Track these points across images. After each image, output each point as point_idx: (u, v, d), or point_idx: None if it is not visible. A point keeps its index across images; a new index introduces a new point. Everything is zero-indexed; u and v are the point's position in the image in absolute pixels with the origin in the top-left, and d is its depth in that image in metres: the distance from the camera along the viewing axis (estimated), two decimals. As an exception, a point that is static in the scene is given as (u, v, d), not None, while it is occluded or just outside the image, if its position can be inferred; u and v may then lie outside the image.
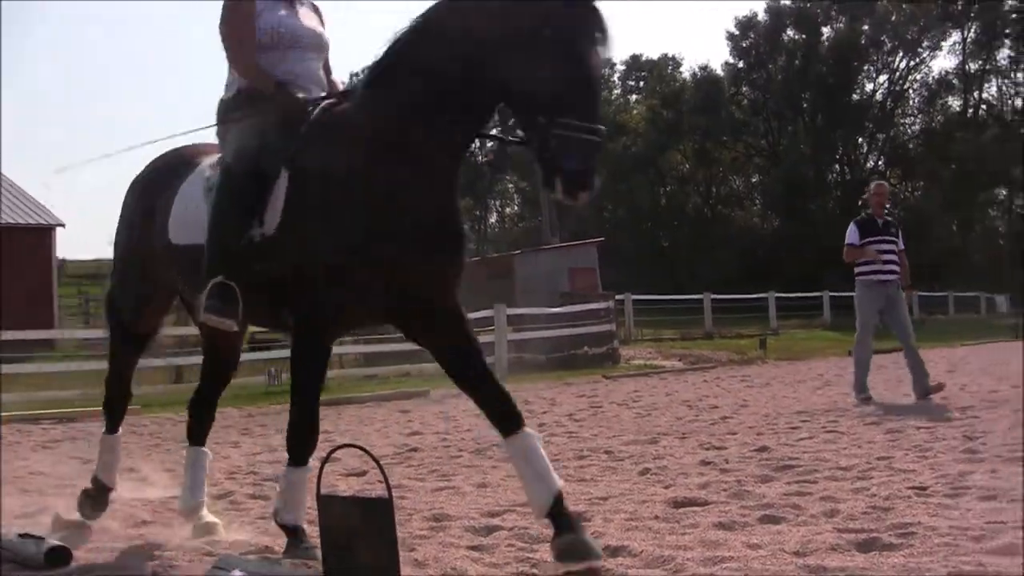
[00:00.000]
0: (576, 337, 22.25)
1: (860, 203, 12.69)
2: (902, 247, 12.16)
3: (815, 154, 62.42)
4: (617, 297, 26.24)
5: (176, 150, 5.53)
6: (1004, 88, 65.51)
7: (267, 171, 4.59)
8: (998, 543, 4.30)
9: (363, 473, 7.48)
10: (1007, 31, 62.58)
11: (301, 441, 4.61)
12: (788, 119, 65.23)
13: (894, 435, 8.37)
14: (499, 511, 5.66)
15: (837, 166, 65.04)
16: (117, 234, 5.69)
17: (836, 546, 4.41)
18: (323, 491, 3.89)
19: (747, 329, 30.73)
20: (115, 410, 5.90)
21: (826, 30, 64.69)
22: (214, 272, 4.60)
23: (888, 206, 12.71)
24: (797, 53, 63.89)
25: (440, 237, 4.43)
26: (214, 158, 5.13)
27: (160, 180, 5.34)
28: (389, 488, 3.69)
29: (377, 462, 3.74)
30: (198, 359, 7.01)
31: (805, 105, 63.84)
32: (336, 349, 20.04)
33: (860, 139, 65.12)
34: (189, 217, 4.95)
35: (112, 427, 5.87)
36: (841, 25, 63.92)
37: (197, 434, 5.76)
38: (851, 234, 12.17)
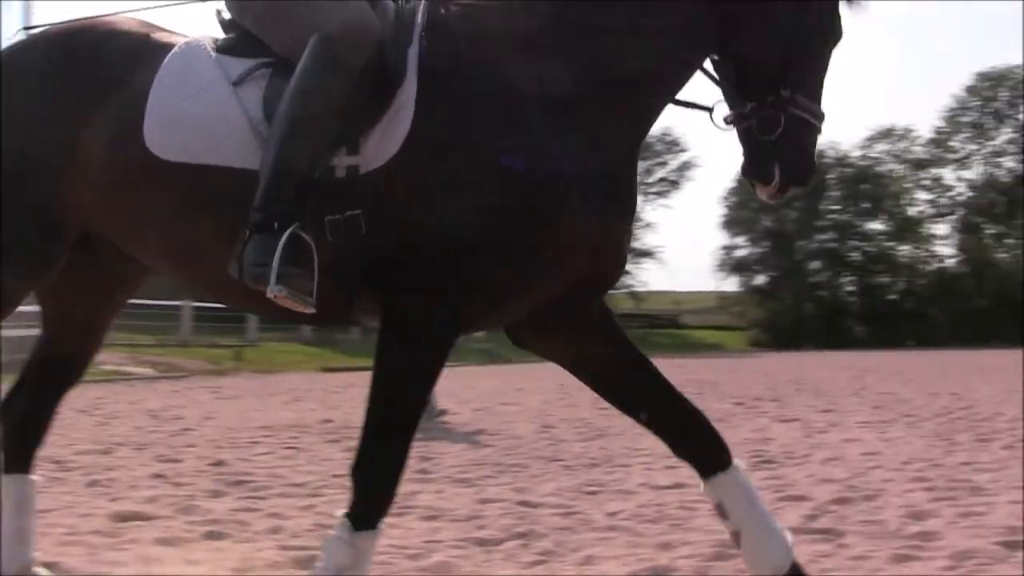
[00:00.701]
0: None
1: None
2: None
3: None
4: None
5: (109, 22, 3.45)
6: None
7: (387, 66, 3.04)
8: (432, 561, 4.58)
9: None
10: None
11: (378, 499, 3.23)
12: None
13: (353, 454, 8.60)
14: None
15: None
16: None
17: (276, 563, 4.47)
18: None
19: (225, 339, 30.41)
20: None
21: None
22: (281, 216, 2.88)
23: None
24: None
25: (626, 202, 3.27)
26: (207, 38, 3.31)
27: (100, 62, 3.28)
28: None
29: None
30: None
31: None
32: None
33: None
34: (195, 119, 3.09)
35: None
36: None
37: (12, 457, 3.79)
38: None
